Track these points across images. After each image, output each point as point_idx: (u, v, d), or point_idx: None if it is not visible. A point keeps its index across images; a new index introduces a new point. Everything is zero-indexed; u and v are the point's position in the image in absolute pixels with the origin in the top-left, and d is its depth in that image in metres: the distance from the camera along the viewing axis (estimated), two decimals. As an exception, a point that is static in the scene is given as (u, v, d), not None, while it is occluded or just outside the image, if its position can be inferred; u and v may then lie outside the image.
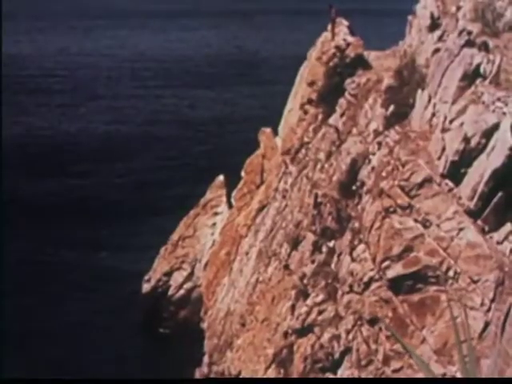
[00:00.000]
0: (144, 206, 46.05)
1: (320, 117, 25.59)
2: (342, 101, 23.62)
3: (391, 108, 19.55)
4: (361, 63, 24.43)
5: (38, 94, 73.65)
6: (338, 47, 26.01)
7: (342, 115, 23.20)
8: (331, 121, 24.05)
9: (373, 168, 18.80)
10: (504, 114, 14.91)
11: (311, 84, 27.19)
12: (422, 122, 17.69)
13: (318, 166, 23.19)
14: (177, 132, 62.26)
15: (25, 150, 55.69)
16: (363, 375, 16.96)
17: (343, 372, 17.78)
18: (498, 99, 15.21)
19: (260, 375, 21.72)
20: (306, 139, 25.99)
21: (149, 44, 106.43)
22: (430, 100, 17.57)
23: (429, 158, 16.39)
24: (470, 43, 16.72)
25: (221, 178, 36.53)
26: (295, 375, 19.56)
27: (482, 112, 15.38)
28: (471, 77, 16.25)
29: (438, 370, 14.75)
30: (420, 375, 15.03)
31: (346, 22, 27.80)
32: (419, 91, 18.33)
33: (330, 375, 18.38)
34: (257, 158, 32.58)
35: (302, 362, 19.30)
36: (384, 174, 17.32)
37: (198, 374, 28.87)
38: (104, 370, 29.43)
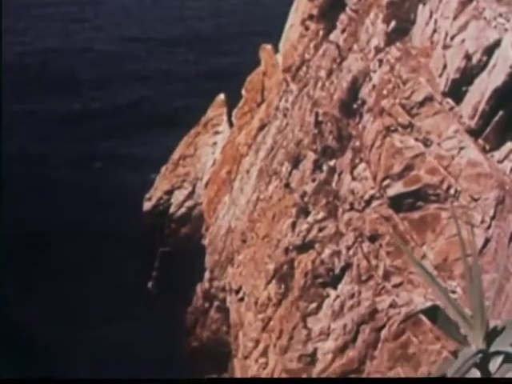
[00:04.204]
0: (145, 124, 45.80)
1: (321, 33, 25.26)
2: (342, 16, 23.31)
3: (392, 24, 19.32)
4: (362, -23, 23.99)
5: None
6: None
7: (342, 31, 22.93)
8: (332, 37, 23.78)
9: (374, 86, 18.73)
10: (506, 30, 14.78)
11: (311, -1, 26.75)
12: (423, 38, 17.54)
13: (319, 84, 23.06)
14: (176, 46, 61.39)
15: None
16: (363, 290, 17.35)
17: (343, 287, 18.17)
18: (500, 15, 15.04)
19: (261, 290, 22.14)
20: (306, 56, 25.74)
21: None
22: (431, 15, 17.36)
23: (430, 75, 16.33)
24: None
25: (221, 96, 36.19)
26: (296, 290, 19.96)
27: (483, 28, 15.24)
28: (473, -9, 16.03)
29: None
30: (419, 290, 15.40)
31: None
32: (420, 6, 18.10)
33: (330, 290, 18.78)
34: (257, 76, 32.22)
35: (303, 278, 19.68)
36: (385, 92, 17.30)
37: (199, 290, 29.39)
38: (105, 290, 29.63)
